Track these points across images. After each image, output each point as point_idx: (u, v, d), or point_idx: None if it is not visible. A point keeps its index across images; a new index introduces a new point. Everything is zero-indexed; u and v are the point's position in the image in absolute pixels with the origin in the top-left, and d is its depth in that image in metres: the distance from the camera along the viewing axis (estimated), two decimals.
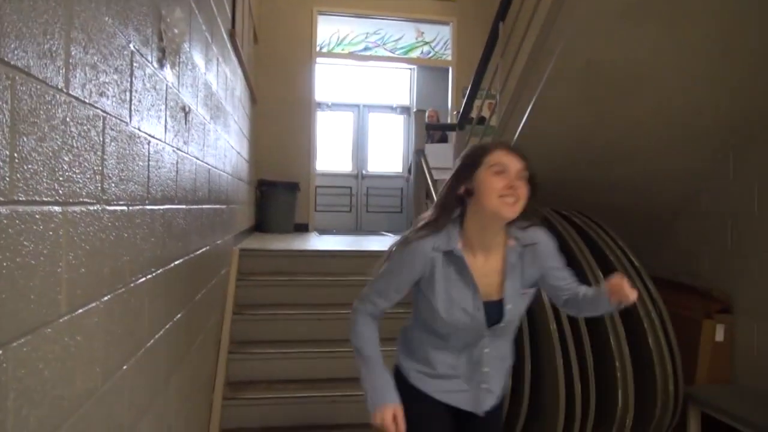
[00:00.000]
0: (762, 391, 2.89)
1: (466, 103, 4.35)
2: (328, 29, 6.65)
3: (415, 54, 6.91)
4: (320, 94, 6.87)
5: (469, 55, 6.43)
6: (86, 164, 1.07)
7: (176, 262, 1.85)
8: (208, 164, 2.53)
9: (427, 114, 5.38)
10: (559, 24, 2.70)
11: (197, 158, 2.23)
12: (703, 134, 3.18)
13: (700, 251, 3.48)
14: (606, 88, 2.88)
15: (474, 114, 4.45)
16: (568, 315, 2.69)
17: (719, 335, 3.11)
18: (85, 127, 1.06)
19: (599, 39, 2.63)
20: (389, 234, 6.68)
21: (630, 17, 2.51)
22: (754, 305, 3.03)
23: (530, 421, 2.80)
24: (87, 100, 1.06)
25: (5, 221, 0.78)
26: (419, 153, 3.99)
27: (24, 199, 0.83)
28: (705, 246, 3.43)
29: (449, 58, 6.78)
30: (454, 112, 6.38)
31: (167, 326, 1.73)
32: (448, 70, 6.84)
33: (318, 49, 6.52)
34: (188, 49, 2.01)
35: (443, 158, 5.53)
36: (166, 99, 1.68)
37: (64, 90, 0.96)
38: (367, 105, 7.73)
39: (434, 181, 3.68)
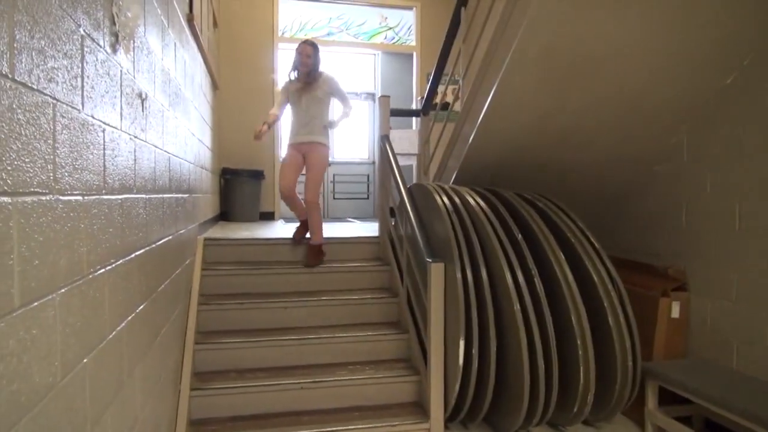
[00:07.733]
0: (714, 364, 3.03)
1: (429, 88, 4.36)
2: (291, 14, 6.55)
3: (378, 39, 6.88)
4: (283, 80, 6.76)
5: (433, 40, 6.44)
6: (36, 153, 1.03)
7: (137, 253, 1.81)
8: (168, 152, 2.47)
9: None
10: (517, 12, 2.72)
11: (156, 146, 2.18)
12: (657, 117, 3.27)
13: (656, 232, 3.59)
14: (565, 72, 2.93)
15: (438, 100, 4.47)
16: (531, 296, 2.77)
17: (675, 312, 3.23)
18: (33, 114, 1.02)
19: (554, 26, 2.66)
20: (356, 220, 6.66)
21: (580, 4, 2.55)
22: (707, 283, 3.16)
23: (495, 400, 2.86)
24: (35, 86, 1.02)
25: None
26: (384, 139, 3.98)
27: None
28: (661, 226, 3.54)
29: (413, 43, 6.77)
30: (419, 98, 6.38)
31: (129, 318, 1.70)
32: (412, 55, 6.83)
33: (280, 34, 6.42)
34: (143, 34, 1.95)
35: (408, 144, 5.54)
36: (121, 85, 1.63)
37: (10, 75, 0.92)
38: None
39: (399, 166, 3.68)
